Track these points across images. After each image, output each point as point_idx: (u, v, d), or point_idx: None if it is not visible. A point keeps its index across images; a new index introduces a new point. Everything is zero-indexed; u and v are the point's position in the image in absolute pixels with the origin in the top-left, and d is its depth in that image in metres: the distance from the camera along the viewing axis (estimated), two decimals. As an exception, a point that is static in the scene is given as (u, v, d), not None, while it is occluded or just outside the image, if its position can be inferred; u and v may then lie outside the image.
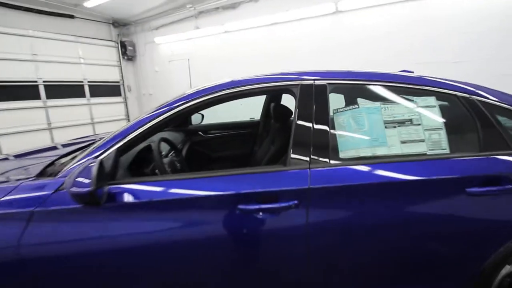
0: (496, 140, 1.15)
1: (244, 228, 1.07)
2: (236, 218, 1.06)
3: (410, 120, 1.19)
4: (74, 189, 0.94)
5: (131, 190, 1.09)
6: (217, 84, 1.26)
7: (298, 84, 1.22)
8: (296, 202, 1.05)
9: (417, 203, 1.10)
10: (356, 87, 1.26)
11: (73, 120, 5.97)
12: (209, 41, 5.56)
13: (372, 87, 1.24)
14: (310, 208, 1.06)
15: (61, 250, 1.05)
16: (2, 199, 1.07)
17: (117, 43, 6.68)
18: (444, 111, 1.21)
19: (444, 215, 1.09)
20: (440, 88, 1.24)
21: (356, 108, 1.20)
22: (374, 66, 2.67)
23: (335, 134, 1.18)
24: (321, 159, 1.12)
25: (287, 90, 1.23)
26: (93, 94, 6.26)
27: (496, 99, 1.22)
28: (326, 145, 1.14)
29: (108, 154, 1.13)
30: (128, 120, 6.13)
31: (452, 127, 1.19)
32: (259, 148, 2.62)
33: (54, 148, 1.92)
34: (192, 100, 1.22)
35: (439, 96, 1.23)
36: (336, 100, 1.27)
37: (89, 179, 0.93)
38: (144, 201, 1.07)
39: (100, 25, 6.48)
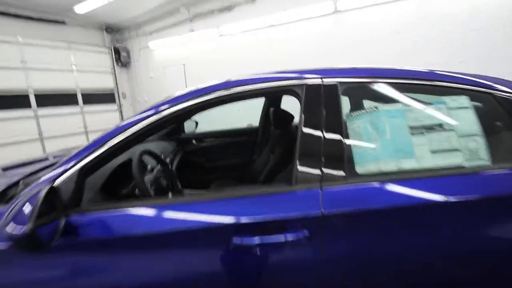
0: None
1: (240, 268, 0.84)
2: (229, 256, 0.84)
3: (440, 125, 0.98)
4: (9, 229, 0.71)
5: (97, 220, 0.87)
6: (210, 85, 1.05)
7: (302, 84, 1.00)
8: (306, 233, 0.83)
9: (470, 229, 0.87)
10: (373, 87, 1.04)
11: (66, 130, 5.76)
12: (204, 45, 5.41)
13: (392, 87, 1.03)
14: (324, 242, 0.84)
15: None
16: None
17: (111, 49, 6.51)
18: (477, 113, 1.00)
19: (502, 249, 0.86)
20: (473, 86, 1.02)
21: (374, 111, 0.99)
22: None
23: (349, 144, 0.96)
24: (335, 175, 0.90)
25: (290, 91, 1.02)
26: (86, 102, 6.06)
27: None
28: (341, 158, 0.92)
29: (70, 175, 0.90)
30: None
31: (489, 133, 0.98)
32: (258, 157, 2.42)
33: (45, 159, 1.70)
34: (179, 103, 1.00)
35: (471, 95, 1.02)
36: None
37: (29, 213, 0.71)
38: (108, 237, 0.85)
39: (93, 31, 6.32)
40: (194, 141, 2.50)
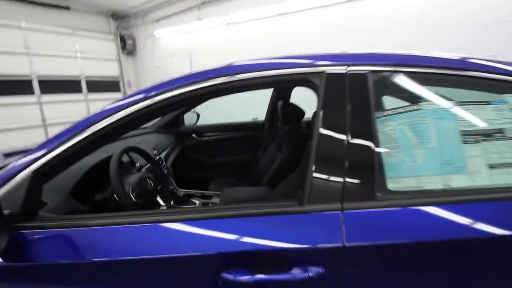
0: None
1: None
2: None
3: (501, 131, 0.74)
4: None
5: (46, 239, 0.68)
6: (209, 69, 0.84)
7: (321, 72, 0.77)
8: (321, 271, 0.62)
9: None
10: (415, 79, 0.80)
11: (69, 117, 5.63)
12: (212, 34, 5.18)
13: (442, 80, 0.79)
14: (344, 281, 0.62)
15: None
16: None
17: (116, 36, 6.33)
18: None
19: None
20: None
21: (416, 110, 0.75)
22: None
23: (381, 152, 0.74)
24: (361, 192, 0.69)
25: (305, 81, 0.79)
26: (90, 90, 5.93)
27: None
28: (369, 170, 0.70)
29: (20, 180, 0.71)
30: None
31: None
32: (263, 154, 2.21)
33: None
34: (170, 90, 0.80)
35: None
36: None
37: None
38: (51, 262, 0.66)
39: (98, 18, 6.14)
40: (194, 135, 2.30)
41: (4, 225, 0.63)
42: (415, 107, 0.76)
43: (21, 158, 0.76)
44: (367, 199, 0.69)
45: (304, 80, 0.79)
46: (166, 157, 1.84)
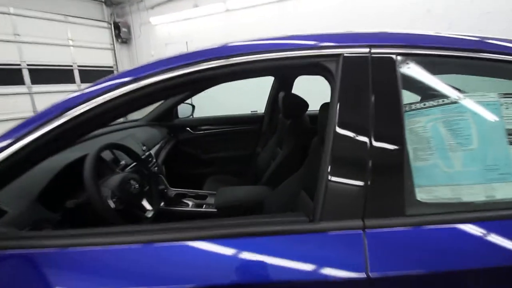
0: None
1: None
2: None
3: (555, 129, 0.60)
4: None
5: (12, 261, 0.55)
6: (197, 50, 0.69)
7: (337, 56, 0.62)
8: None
9: None
10: (453, 64, 0.65)
11: (62, 108, 5.46)
12: (209, 21, 4.98)
13: (487, 66, 0.64)
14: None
15: None
16: None
17: (110, 24, 6.09)
18: None
19: None
20: None
21: (453, 103, 0.61)
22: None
23: (410, 155, 0.60)
24: (387, 206, 0.55)
25: (316, 66, 0.64)
26: (84, 80, 5.72)
27: None
28: (398, 178, 0.56)
29: None
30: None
31: None
32: (262, 150, 2.08)
33: None
34: (151, 75, 0.64)
35: None
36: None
37: None
38: None
39: (91, 4, 5.89)
40: (188, 129, 2.16)
41: None
42: (452, 99, 0.62)
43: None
44: (394, 214, 0.55)
45: (315, 65, 0.64)
46: (158, 153, 1.70)
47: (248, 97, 2.60)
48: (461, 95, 0.62)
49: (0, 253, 0.57)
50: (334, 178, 0.56)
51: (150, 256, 0.55)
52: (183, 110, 2.18)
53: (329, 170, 0.56)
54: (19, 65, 4.83)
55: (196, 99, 2.27)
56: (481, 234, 0.54)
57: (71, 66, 5.54)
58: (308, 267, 0.51)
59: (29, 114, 4.96)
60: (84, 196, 0.87)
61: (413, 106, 0.65)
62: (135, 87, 0.62)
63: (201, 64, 0.64)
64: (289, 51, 0.64)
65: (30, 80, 4.97)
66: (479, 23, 3.00)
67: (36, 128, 0.61)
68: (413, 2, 3.33)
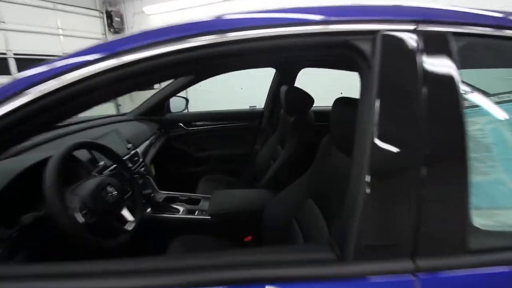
0: None
1: None
2: None
3: None
4: None
5: None
6: (183, 23, 0.52)
7: (374, 32, 0.46)
8: None
9: None
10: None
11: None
12: (205, 12, 4.76)
13: None
14: None
15: None
16: None
17: (102, 13, 5.85)
18: None
19: None
20: None
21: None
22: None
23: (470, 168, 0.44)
24: (445, 241, 0.40)
25: (344, 47, 0.48)
26: (74, 71, 5.49)
27: None
28: (460, 199, 0.41)
29: None
30: (116, 103, 5.41)
31: None
32: (261, 148, 1.93)
33: None
34: (125, 52, 0.47)
35: None
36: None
37: None
38: None
39: (82, -9, 5.62)
40: (181, 124, 1.99)
41: None
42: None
43: None
44: (453, 249, 0.40)
45: (343, 45, 0.47)
46: (146, 151, 1.53)
47: (247, 92, 2.44)
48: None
49: None
50: (371, 200, 0.40)
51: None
52: (175, 103, 2.00)
53: (364, 189, 0.40)
54: (4, 54, 4.59)
55: (191, 92, 2.10)
56: None
57: (61, 56, 5.31)
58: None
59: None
60: (45, 208, 0.70)
61: (469, 102, 0.49)
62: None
63: (183, 41, 0.47)
64: (307, 26, 0.47)
65: (16, 70, 4.73)
66: None
67: None
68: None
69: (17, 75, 0.51)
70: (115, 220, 0.86)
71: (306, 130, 1.45)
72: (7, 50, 4.63)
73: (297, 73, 1.85)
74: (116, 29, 6.02)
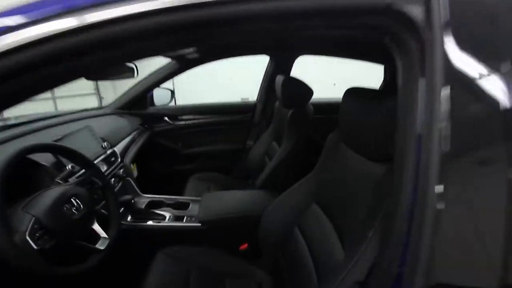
0: None
1: None
2: None
3: None
4: None
5: None
6: None
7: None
8: None
9: None
10: None
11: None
12: None
13: None
14: None
15: None
16: None
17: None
18: None
19: None
20: None
21: None
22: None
23: None
24: None
25: (385, 13, 0.33)
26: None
27: None
28: None
29: None
30: (99, 95, 5.09)
31: None
32: (254, 143, 1.80)
33: None
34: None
35: None
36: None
37: None
38: None
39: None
40: (166, 118, 1.81)
41: None
42: None
43: None
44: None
45: (381, 11, 0.33)
46: (126, 149, 1.36)
47: (238, 83, 2.28)
48: None
49: None
50: (446, 220, 0.27)
51: None
52: (160, 96, 1.82)
53: (435, 203, 0.27)
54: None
55: (175, 83, 1.92)
56: None
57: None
58: None
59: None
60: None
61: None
62: None
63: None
64: None
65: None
66: None
67: None
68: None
69: None
70: (83, 239, 0.71)
71: (304, 125, 1.32)
72: None
73: (293, 61, 1.71)
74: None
